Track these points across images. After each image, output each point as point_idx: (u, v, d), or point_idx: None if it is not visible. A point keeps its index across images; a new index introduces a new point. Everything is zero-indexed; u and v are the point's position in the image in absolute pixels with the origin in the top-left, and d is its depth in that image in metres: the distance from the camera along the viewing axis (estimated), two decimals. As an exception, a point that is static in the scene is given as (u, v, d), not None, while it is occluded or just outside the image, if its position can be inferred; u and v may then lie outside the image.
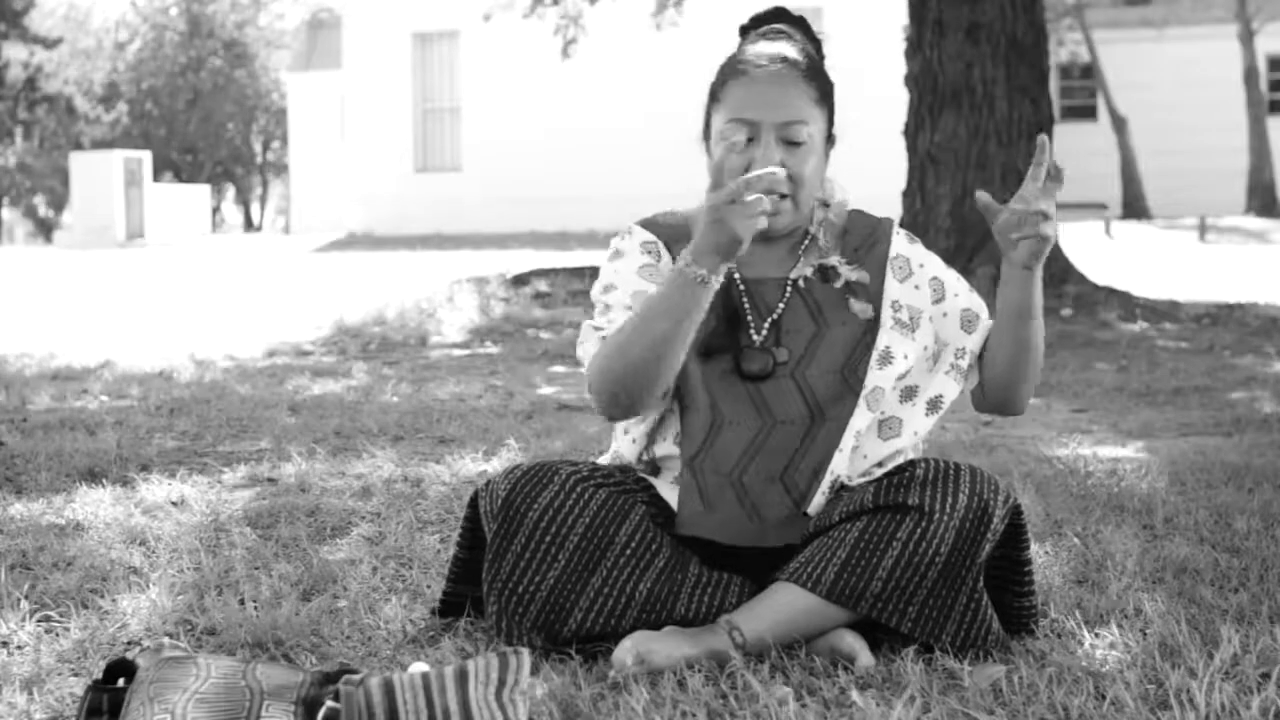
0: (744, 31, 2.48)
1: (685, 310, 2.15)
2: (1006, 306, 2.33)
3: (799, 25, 2.46)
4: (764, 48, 2.36)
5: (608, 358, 2.21)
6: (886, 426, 2.37)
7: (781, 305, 2.34)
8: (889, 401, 2.38)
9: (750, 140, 2.29)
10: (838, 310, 2.35)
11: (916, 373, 2.40)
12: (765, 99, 2.29)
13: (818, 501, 2.29)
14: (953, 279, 2.45)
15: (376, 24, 25.70)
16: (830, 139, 2.39)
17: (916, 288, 2.39)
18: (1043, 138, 2.18)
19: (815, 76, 2.35)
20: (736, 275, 2.35)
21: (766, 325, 2.33)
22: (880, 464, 2.36)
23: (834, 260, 2.37)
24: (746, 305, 2.35)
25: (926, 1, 9.54)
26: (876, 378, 2.32)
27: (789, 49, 2.36)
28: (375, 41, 25.76)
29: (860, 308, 2.35)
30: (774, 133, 2.28)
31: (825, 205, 2.42)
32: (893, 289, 2.38)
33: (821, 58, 2.42)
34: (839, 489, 2.31)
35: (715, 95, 2.35)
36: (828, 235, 2.40)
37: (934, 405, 2.40)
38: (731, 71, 2.35)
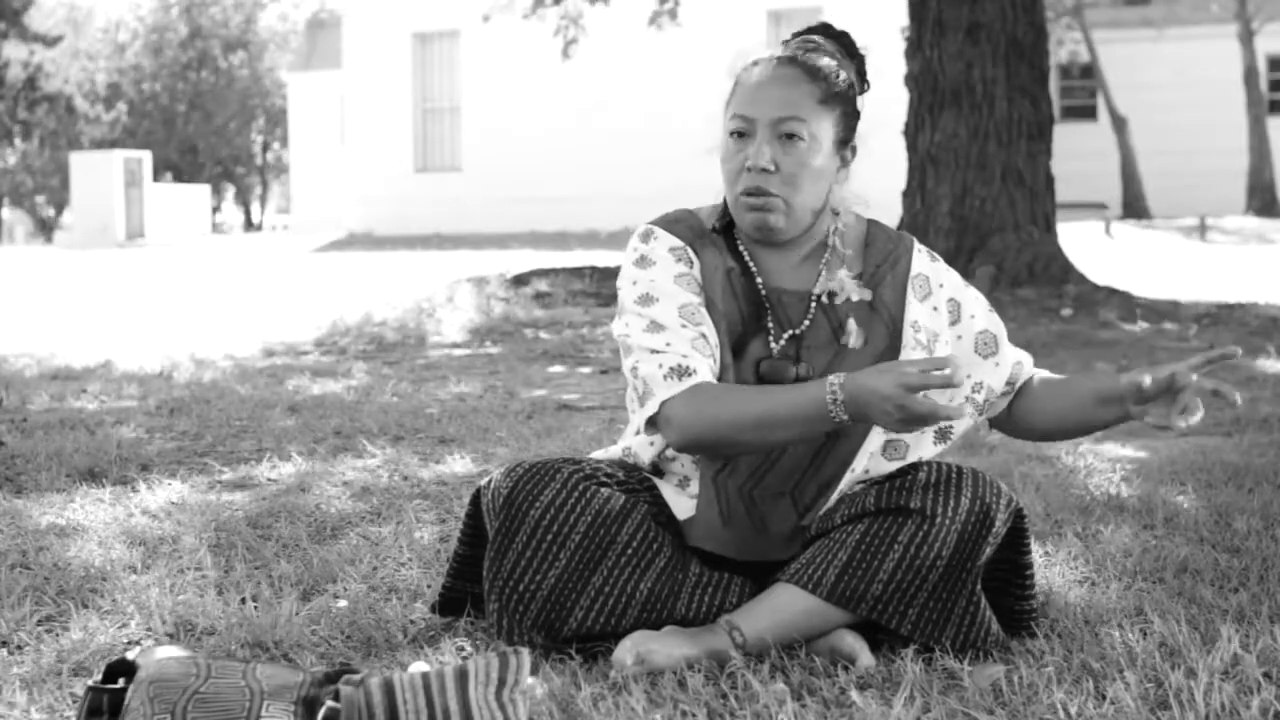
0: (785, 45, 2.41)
1: (811, 431, 2.15)
2: (1091, 418, 2.35)
3: (839, 41, 2.38)
4: (773, 51, 2.33)
5: (717, 423, 2.15)
6: (892, 447, 2.34)
7: (807, 322, 2.31)
8: None
9: (745, 136, 2.28)
10: (860, 329, 2.32)
11: (930, 392, 2.36)
12: (761, 95, 2.27)
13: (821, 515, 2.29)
14: (971, 299, 2.42)
15: (376, 24, 25.71)
16: (847, 147, 2.34)
17: (935, 309, 2.37)
18: (1235, 349, 2.15)
19: (821, 79, 2.28)
20: (759, 280, 2.33)
21: (785, 337, 2.31)
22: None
23: (844, 276, 2.33)
24: (768, 308, 2.32)
25: (926, 1, 9.54)
26: None
27: (799, 52, 2.31)
28: (375, 41, 25.76)
29: (855, 339, 2.31)
30: (769, 129, 2.26)
31: (836, 214, 2.37)
32: (913, 309, 2.34)
33: (856, 72, 2.35)
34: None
35: (727, 99, 2.33)
36: (845, 245, 2.35)
37: (943, 434, 2.38)
38: (739, 73, 2.33)
